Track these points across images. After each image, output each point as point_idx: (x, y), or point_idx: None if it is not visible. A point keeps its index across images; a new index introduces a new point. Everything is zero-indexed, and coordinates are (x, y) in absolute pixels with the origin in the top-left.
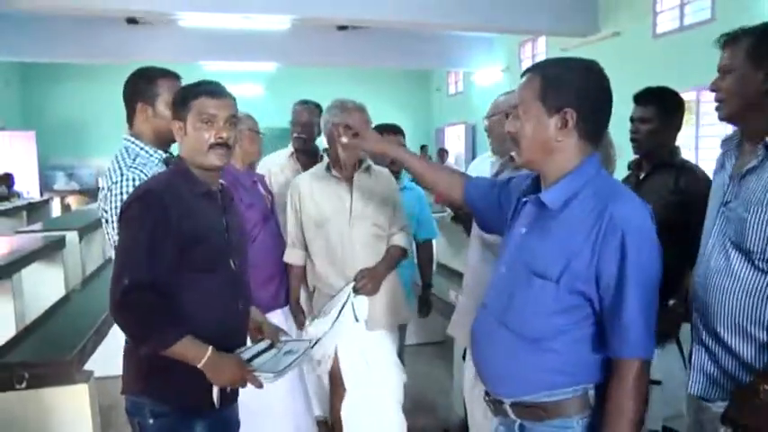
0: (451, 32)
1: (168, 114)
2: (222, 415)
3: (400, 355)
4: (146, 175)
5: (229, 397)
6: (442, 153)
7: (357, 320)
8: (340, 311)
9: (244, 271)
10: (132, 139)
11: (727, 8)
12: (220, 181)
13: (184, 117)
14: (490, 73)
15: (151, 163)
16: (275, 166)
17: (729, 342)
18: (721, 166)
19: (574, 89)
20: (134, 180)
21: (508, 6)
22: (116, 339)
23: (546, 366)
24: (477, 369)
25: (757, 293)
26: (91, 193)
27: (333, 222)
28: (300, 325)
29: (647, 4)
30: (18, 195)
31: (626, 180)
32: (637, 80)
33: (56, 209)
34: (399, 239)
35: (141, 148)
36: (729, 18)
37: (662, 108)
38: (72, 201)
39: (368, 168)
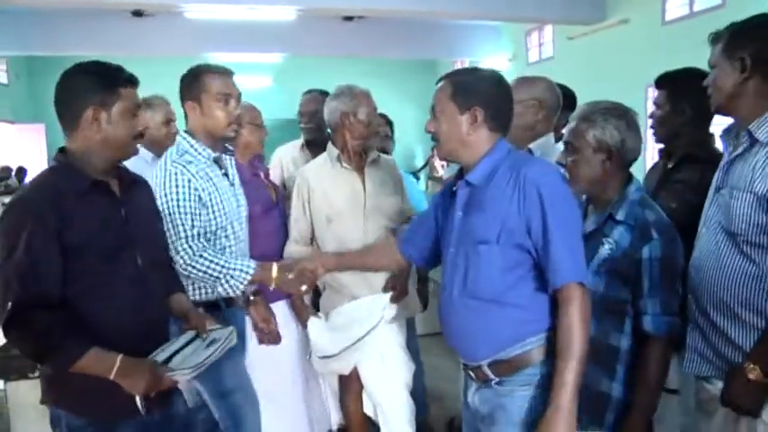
0: (457, 21)
1: (217, 111)
2: (155, 420)
3: (412, 345)
4: (189, 172)
5: (158, 401)
6: None
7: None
8: (369, 331)
9: (158, 264)
10: (185, 135)
11: None
12: (120, 165)
13: (109, 105)
14: (497, 62)
15: (197, 161)
16: (287, 157)
17: (718, 322)
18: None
19: (479, 91)
20: (175, 175)
21: None
22: None
23: (511, 320)
24: (450, 345)
25: (743, 275)
26: None
27: (346, 216)
28: (304, 323)
29: None
30: None
31: (653, 169)
32: (646, 68)
33: None
34: None
35: (191, 146)
36: (740, 3)
37: (673, 92)
38: None
39: (376, 159)
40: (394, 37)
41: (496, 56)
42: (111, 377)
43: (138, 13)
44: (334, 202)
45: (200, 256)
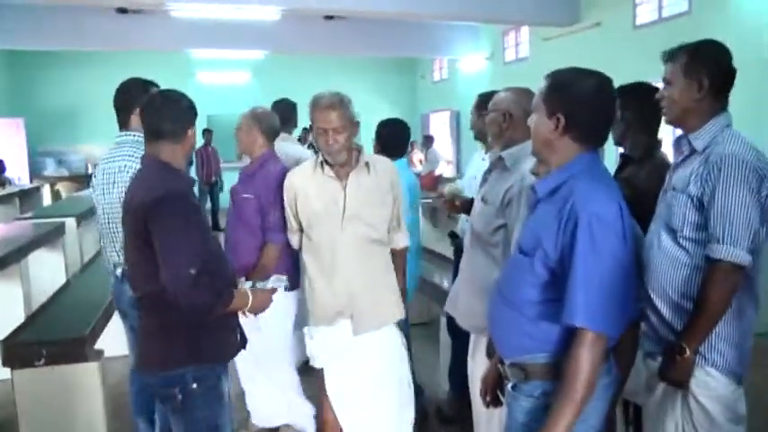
0: (436, 21)
1: None
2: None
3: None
4: None
5: (242, 342)
6: (428, 139)
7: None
8: None
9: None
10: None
11: (702, 1)
12: None
13: (194, 126)
14: (475, 60)
15: None
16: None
17: (658, 305)
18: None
19: (567, 97)
20: None
21: None
22: (120, 323)
23: (523, 331)
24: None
25: (677, 265)
26: (81, 180)
27: (324, 224)
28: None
29: None
30: (9, 182)
31: None
32: (618, 70)
33: (46, 195)
34: (402, 240)
35: None
36: (704, 11)
37: (620, 103)
38: (61, 187)
39: (365, 165)
40: (373, 35)
41: (475, 54)
42: (248, 308)
43: (122, 11)
44: (315, 208)
45: None
